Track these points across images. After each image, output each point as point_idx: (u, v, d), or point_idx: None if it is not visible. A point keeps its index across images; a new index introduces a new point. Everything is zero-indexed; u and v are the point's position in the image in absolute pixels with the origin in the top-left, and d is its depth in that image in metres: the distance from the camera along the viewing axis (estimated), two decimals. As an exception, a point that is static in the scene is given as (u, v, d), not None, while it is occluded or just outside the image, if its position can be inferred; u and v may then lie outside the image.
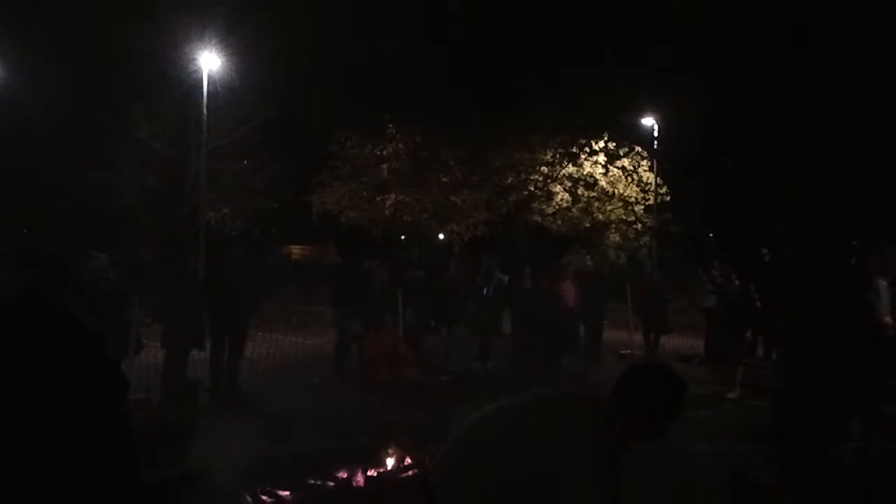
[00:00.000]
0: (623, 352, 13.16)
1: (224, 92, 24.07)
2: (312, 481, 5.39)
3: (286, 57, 23.06)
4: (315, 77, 23.13)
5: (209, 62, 23.26)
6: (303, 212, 26.15)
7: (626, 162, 24.74)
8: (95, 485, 3.07)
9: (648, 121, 26.52)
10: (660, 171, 25.55)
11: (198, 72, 23.40)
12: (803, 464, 4.01)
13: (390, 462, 5.88)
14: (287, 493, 5.20)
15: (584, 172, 24.63)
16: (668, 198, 25.34)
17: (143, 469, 3.80)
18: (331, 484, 5.45)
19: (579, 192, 24.90)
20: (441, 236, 25.60)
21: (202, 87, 23.28)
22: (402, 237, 26.16)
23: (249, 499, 5.08)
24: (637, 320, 13.40)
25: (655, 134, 25.92)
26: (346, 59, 22.95)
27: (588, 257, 16.92)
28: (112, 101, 23.55)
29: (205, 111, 23.46)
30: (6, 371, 3.06)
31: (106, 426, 3.14)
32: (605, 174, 24.68)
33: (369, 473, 5.61)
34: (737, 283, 5.85)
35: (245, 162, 26.99)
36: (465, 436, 3.09)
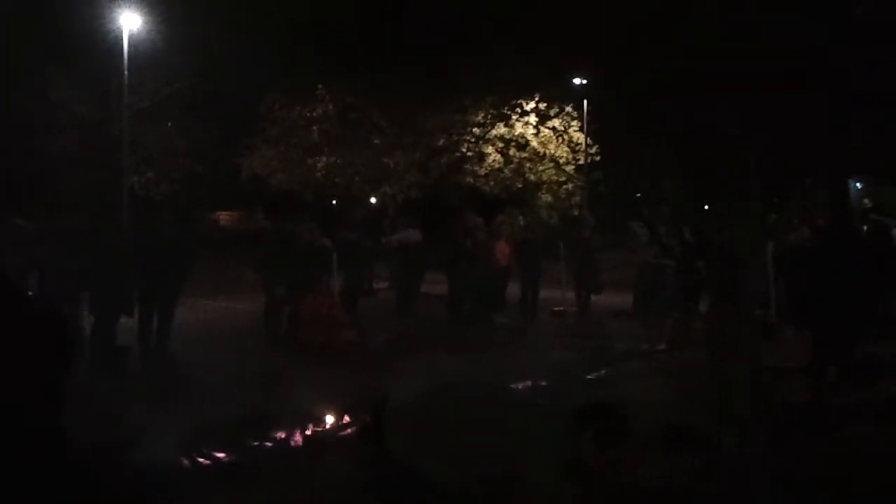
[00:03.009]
0: (556, 308, 13.35)
1: (146, 52, 23.27)
2: (251, 442, 5.34)
3: (212, 16, 22.43)
4: (241, 37, 22.56)
5: (130, 21, 22.45)
6: (232, 176, 25.59)
7: (556, 122, 24.90)
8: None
9: (578, 81, 26.81)
10: (589, 131, 25.89)
11: (118, 31, 22.56)
12: (743, 408, 4.13)
13: (329, 420, 5.87)
14: (224, 455, 5.15)
15: (516, 133, 24.70)
16: (598, 157, 25.74)
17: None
18: (269, 444, 5.41)
19: (511, 153, 24.97)
20: (373, 200, 25.41)
21: (123, 47, 22.47)
22: (334, 201, 25.85)
23: (187, 462, 5.01)
24: (570, 279, 13.58)
25: (585, 93, 26.20)
26: (273, 19, 22.47)
27: (521, 218, 17.05)
28: (30, 62, 22.53)
29: (126, 72, 22.66)
30: None
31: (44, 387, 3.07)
32: (536, 135, 24.79)
33: (307, 433, 5.58)
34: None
35: (169, 124, 26.21)
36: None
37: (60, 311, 3.18)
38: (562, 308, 13.29)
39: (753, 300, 4.15)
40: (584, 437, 2.92)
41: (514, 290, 13.15)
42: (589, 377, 8.55)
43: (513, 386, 7.45)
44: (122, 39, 22.43)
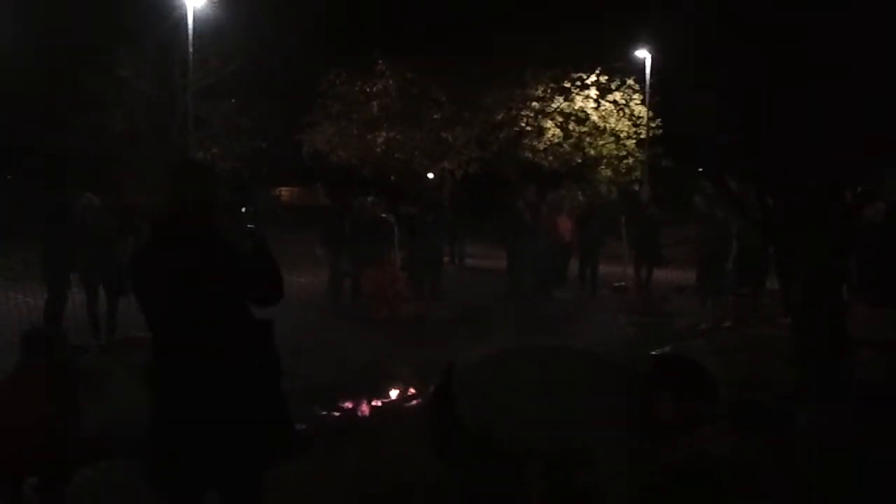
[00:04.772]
0: (617, 284, 13.23)
1: (210, 29, 23.57)
2: (319, 412, 5.42)
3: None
4: (303, 13, 22.70)
5: (194, -1, 22.78)
6: (293, 152, 25.83)
7: (617, 96, 24.50)
8: None
9: (641, 53, 26.33)
10: (651, 105, 25.42)
11: (183, 8, 22.90)
12: (823, 387, 4.04)
13: (394, 393, 5.92)
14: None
15: (576, 107, 24.38)
16: (660, 131, 25.31)
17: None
18: (336, 414, 5.49)
19: (570, 127, 24.67)
20: (430, 175, 25.41)
21: (187, 24, 22.80)
22: (392, 177, 25.86)
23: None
24: (631, 254, 13.43)
25: (648, 65, 25.71)
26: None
27: (580, 193, 16.88)
28: (96, 40, 23.02)
29: (191, 49, 23.01)
30: None
31: None
32: (596, 109, 24.45)
33: (374, 403, 5.65)
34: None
35: (233, 101, 26.58)
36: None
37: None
38: (623, 283, 13.17)
39: (833, 277, 4.04)
40: (660, 393, 2.86)
41: (573, 265, 13.08)
42: (652, 354, 8.45)
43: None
44: (186, 17, 22.75)
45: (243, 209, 3.49)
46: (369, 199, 11.60)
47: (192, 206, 3.13)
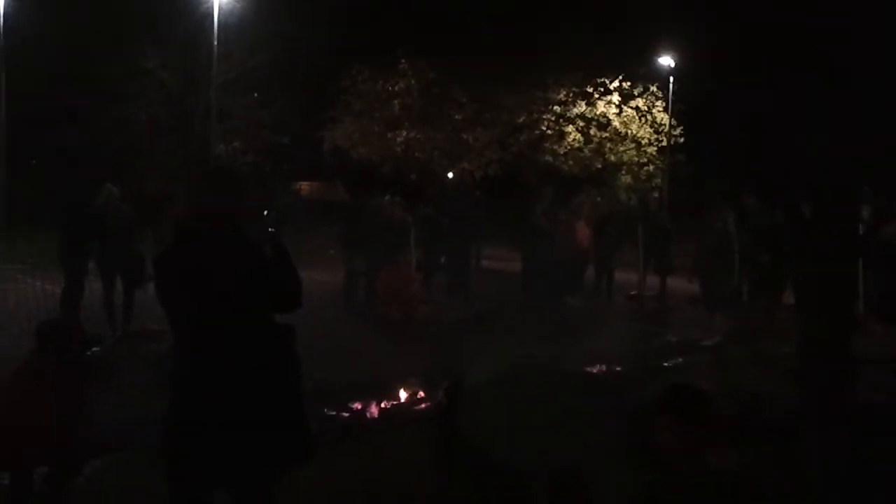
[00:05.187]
0: (632, 293, 13.20)
1: (234, 23, 23.71)
2: (328, 412, 5.46)
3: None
4: (327, 10, 22.80)
5: (220, -8, 22.92)
6: (314, 147, 25.93)
7: (640, 102, 24.37)
8: None
9: (665, 60, 26.22)
10: (674, 112, 25.28)
11: (208, 2, 23.04)
12: (828, 405, 4.03)
13: (403, 395, 5.95)
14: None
15: (598, 112, 24.26)
16: (682, 139, 25.18)
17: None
18: (346, 415, 5.53)
19: (591, 132, 24.55)
20: (450, 175, 25.39)
21: (213, 18, 22.93)
22: (413, 176, 25.89)
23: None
24: (644, 261, 13.37)
25: (671, 73, 25.60)
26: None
27: (599, 199, 16.84)
28: (121, 31, 23.22)
29: (215, 42, 23.15)
30: None
31: None
32: (618, 114, 24.32)
33: (383, 405, 5.68)
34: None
35: (255, 95, 26.72)
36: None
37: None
38: (636, 292, 13.13)
39: (847, 295, 4.03)
40: (661, 423, 2.88)
41: (590, 271, 13.06)
42: (664, 365, 8.44)
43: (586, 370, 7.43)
44: (212, 10, 22.88)
45: (265, 212, 3.52)
46: (386, 198, 11.63)
47: (220, 210, 3.17)
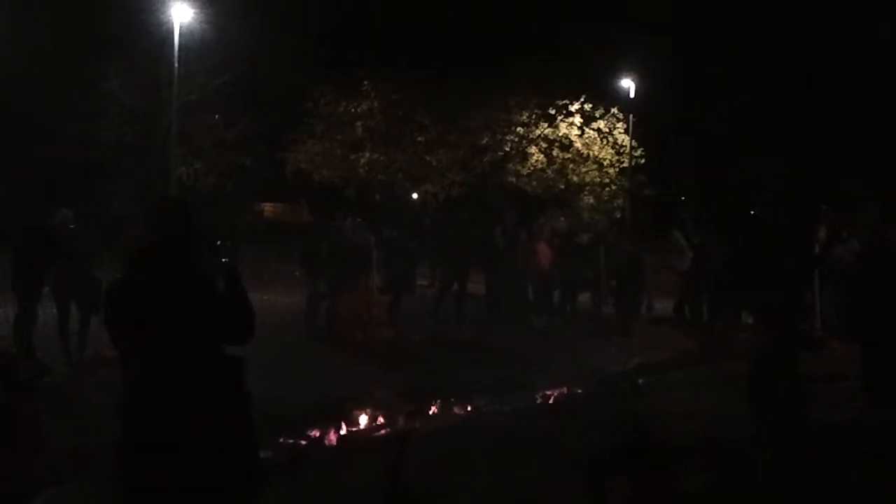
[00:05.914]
0: (597, 314, 13.22)
1: (196, 44, 23.57)
2: (283, 440, 5.37)
3: (260, 10, 22.66)
4: (289, 31, 22.76)
5: (181, 13, 22.74)
6: (277, 169, 25.81)
7: (601, 124, 24.66)
8: None
9: (626, 83, 26.59)
10: (635, 134, 25.61)
11: (169, 23, 22.88)
12: (779, 425, 4.05)
13: (363, 420, 5.88)
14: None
15: (560, 134, 24.51)
16: (643, 160, 25.50)
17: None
18: (303, 443, 5.44)
19: (554, 153, 24.78)
20: (414, 196, 25.41)
21: (174, 40, 22.77)
22: (377, 196, 25.86)
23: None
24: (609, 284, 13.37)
25: (632, 95, 26.02)
26: (321, 14, 22.62)
27: (562, 219, 16.89)
28: (82, 53, 22.95)
29: (176, 64, 22.97)
30: None
31: None
32: (580, 136, 24.59)
33: (342, 432, 5.60)
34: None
35: (217, 117, 26.55)
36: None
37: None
38: (601, 310, 13.16)
39: (798, 316, 4.05)
40: (617, 480, 2.86)
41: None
42: (625, 386, 8.46)
43: (546, 393, 7.44)
44: (173, 32, 22.72)
45: (219, 242, 3.47)
46: (348, 220, 11.56)
47: (169, 241, 3.12)
